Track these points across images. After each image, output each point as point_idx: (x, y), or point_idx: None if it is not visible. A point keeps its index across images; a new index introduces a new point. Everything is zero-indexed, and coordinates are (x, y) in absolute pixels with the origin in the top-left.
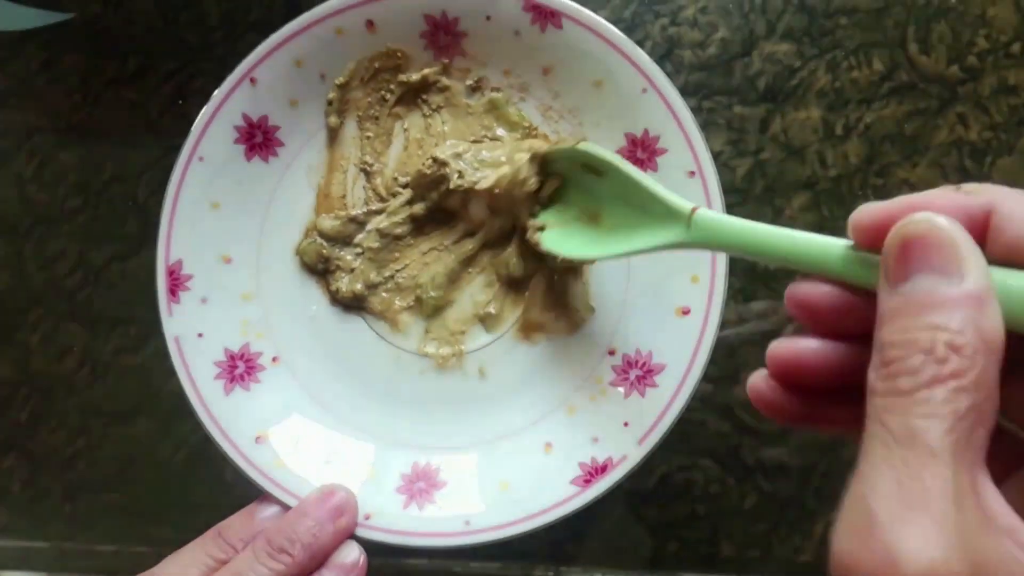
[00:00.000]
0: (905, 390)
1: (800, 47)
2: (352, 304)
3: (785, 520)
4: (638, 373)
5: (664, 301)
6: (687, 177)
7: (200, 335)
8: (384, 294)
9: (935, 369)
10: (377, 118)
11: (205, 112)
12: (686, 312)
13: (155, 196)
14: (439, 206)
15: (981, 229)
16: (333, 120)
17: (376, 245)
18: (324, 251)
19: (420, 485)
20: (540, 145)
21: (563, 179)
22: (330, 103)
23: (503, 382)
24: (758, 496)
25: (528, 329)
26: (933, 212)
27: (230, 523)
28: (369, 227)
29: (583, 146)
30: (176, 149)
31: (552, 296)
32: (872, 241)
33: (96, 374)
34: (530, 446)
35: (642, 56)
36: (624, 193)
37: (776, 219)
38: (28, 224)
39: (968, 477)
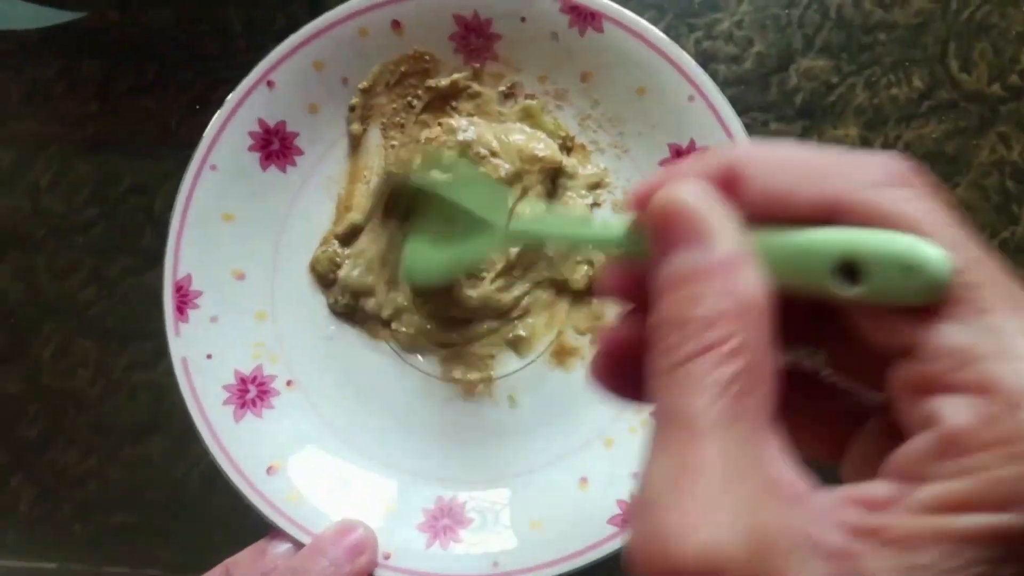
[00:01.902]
0: (667, 369)
1: (838, 63)
2: (346, 312)
3: None
4: None
5: None
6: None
7: (209, 356)
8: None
9: (692, 344)
10: (403, 125)
11: (218, 117)
12: None
13: (172, 209)
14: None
15: (731, 189)
16: (356, 127)
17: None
18: (337, 259)
19: (445, 522)
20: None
21: (419, 201)
22: (352, 109)
23: (535, 411)
24: None
25: (562, 354)
26: (681, 182)
27: (239, 560)
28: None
29: (412, 177)
30: (193, 155)
31: (588, 318)
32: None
33: (108, 391)
34: (564, 481)
35: (689, 62)
36: (462, 210)
37: None
38: (42, 235)
39: (743, 448)
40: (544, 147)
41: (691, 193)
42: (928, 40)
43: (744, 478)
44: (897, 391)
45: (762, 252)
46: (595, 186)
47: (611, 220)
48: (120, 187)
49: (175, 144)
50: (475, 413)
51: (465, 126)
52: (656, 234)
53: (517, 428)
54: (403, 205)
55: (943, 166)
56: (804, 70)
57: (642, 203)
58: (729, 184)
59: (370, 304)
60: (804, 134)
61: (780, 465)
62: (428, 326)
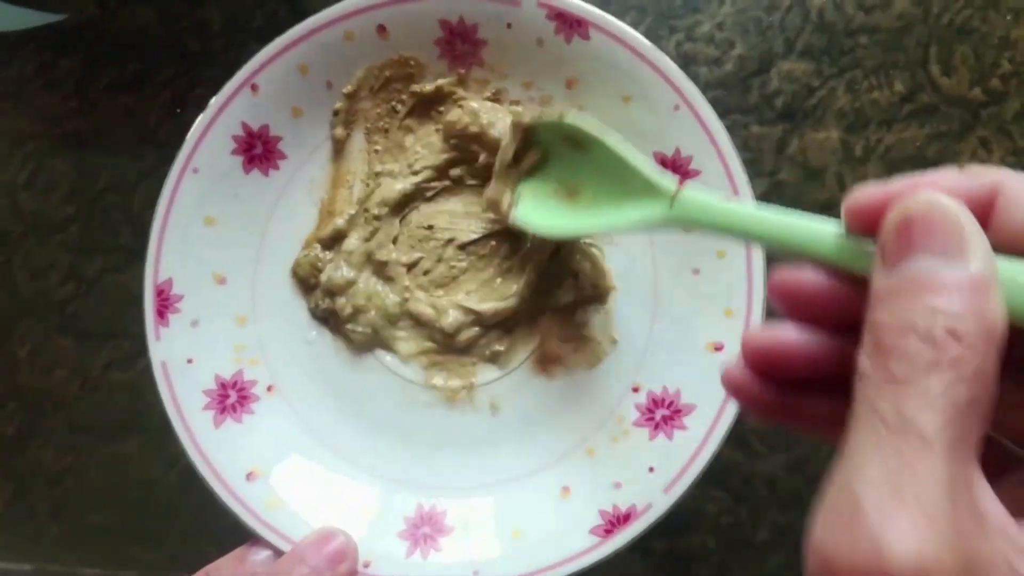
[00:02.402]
0: (900, 376)
1: (819, 66)
2: (325, 317)
3: (799, 553)
4: (664, 413)
5: (694, 335)
6: None
7: (190, 361)
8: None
9: (933, 355)
10: (387, 130)
11: (201, 120)
12: (719, 348)
13: (151, 207)
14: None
15: (985, 213)
16: (339, 131)
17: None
18: (319, 264)
19: (425, 530)
20: (523, 114)
21: (543, 152)
22: (336, 113)
23: (517, 419)
24: (771, 528)
25: (545, 361)
26: (936, 191)
27: (219, 566)
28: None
29: (569, 119)
30: (174, 159)
31: (571, 326)
32: (867, 225)
33: (86, 389)
34: (545, 490)
35: (675, 70)
36: (607, 169)
37: None
38: (19, 233)
39: (963, 472)
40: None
41: (950, 202)
42: (910, 44)
43: (963, 501)
44: None
45: (1005, 282)
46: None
47: (810, 221)
48: (98, 185)
49: (154, 142)
50: (457, 421)
51: (488, 108)
52: (900, 235)
53: (499, 436)
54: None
55: (924, 170)
56: (785, 73)
57: (863, 212)
58: (980, 207)
59: (339, 303)
60: (785, 137)
61: (986, 494)
62: (388, 331)
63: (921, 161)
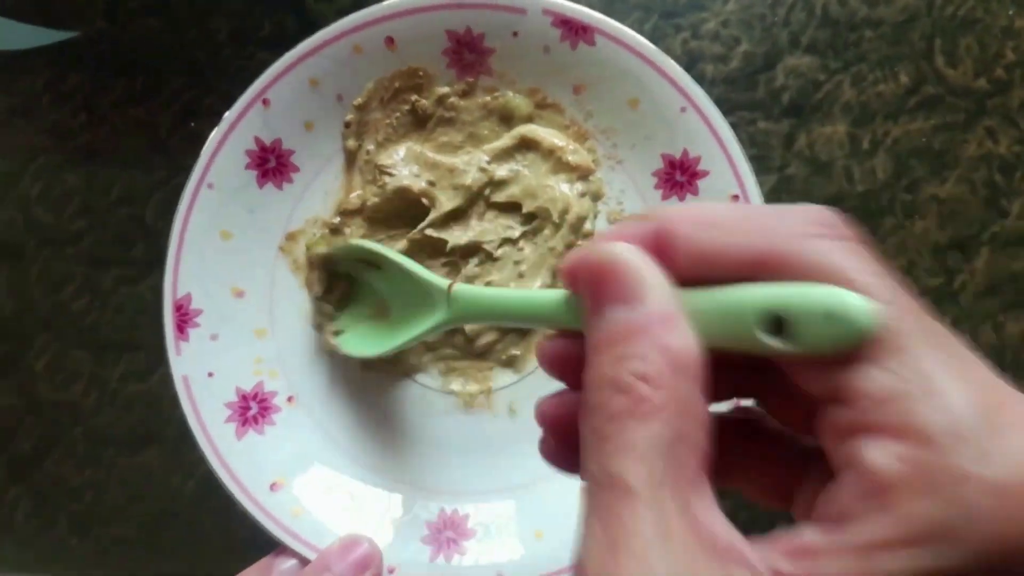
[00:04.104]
0: (598, 429)
1: (824, 60)
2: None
3: None
4: None
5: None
6: (730, 202)
7: (210, 374)
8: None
9: (624, 403)
10: (395, 143)
11: (215, 136)
12: None
13: (164, 218)
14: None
15: (663, 251)
16: (351, 143)
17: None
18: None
19: (448, 535)
20: (320, 248)
21: (350, 278)
22: (347, 125)
23: (535, 421)
24: (769, 528)
25: None
26: (612, 243)
27: None
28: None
29: (355, 242)
30: (186, 170)
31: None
32: (574, 286)
33: (103, 401)
34: (566, 491)
35: (680, 73)
36: (401, 281)
37: None
38: (34, 247)
39: (674, 506)
40: (574, 153)
41: (623, 250)
42: (914, 36)
43: (679, 537)
44: (825, 436)
45: (691, 310)
46: (596, 196)
47: (547, 292)
48: (110, 197)
49: (165, 153)
50: (475, 425)
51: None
52: (589, 292)
53: (518, 439)
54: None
55: (931, 161)
56: (791, 68)
57: (573, 273)
58: (660, 246)
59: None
60: (791, 132)
61: (713, 520)
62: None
63: (928, 152)
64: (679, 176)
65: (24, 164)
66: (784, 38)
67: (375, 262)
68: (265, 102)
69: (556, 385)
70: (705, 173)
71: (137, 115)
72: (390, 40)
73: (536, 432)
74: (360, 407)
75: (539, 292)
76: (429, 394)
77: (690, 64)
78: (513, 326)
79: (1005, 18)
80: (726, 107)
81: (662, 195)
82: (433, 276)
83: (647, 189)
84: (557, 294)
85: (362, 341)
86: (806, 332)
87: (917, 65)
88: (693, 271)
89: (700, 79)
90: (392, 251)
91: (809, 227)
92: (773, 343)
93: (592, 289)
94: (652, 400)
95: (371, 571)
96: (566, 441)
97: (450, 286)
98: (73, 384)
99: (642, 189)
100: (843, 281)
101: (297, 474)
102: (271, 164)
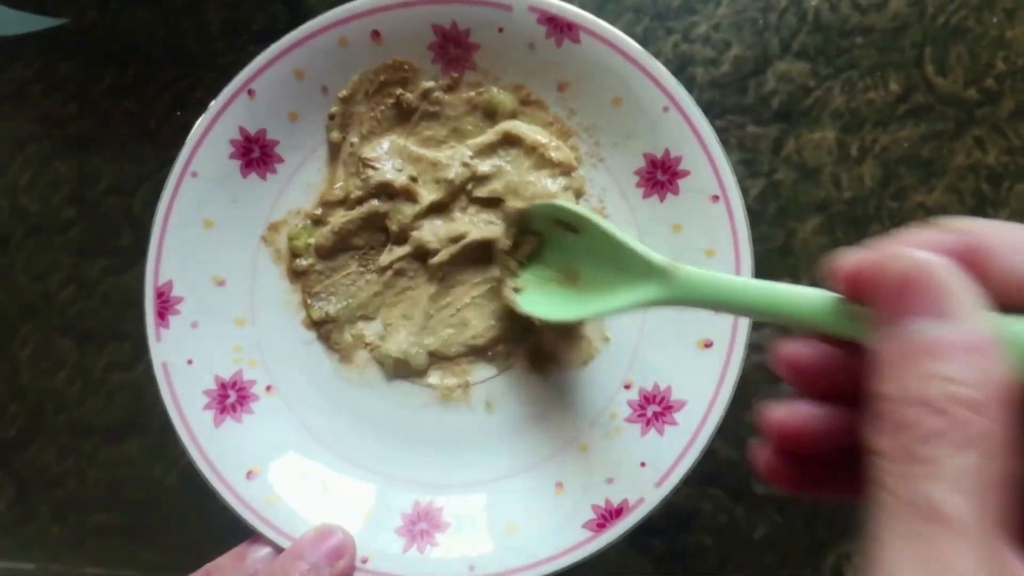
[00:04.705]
0: (909, 449)
1: (815, 66)
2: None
3: (796, 551)
4: (656, 409)
5: (684, 333)
6: (710, 202)
7: (190, 362)
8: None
9: (941, 424)
10: (380, 136)
11: (199, 125)
12: (708, 345)
13: (151, 209)
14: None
15: (972, 269)
16: (335, 135)
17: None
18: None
19: (422, 526)
20: (515, 204)
21: (540, 238)
22: (332, 117)
23: (511, 416)
24: (768, 527)
25: (539, 360)
26: (921, 250)
27: (220, 564)
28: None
29: (559, 203)
30: (175, 161)
31: (564, 325)
32: (857, 290)
33: (87, 390)
34: (540, 486)
35: (664, 73)
36: (602, 250)
37: (789, 241)
38: (20, 235)
39: (994, 554)
40: (557, 150)
41: (936, 261)
42: (905, 44)
43: None
44: None
45: (1008, 339)
46: (578, 194)
47: (805, 291)
48: (99, 187)
49: (154, 144)
50: (452, 419)
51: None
52: (891, 298)
53: (494, 433)
54: (523, 244)
55: (919, 170)
56: (781, 73)
57: (858, 276)
58: (970, 263)
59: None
60: (781, 137)
61: (1018, 568)
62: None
63: (916, 161)
64: (660, 175)
65: (13, 152)
66: (775, 43)
67: (575, 225)
68: (250, 92)
69: (534, 382)
70: (686, 173)
71: (127, 105)
72: (376, 33)
73: (512, 428)
74: (338, 398)
75: (792, 288)
76: (407, 387)
77: (681, 67)
78: (746, 317)
79: (996, 28)
80: (715, 111)
81: (643, 194)
82: (650, 251)
83: (628, 188)
84: (818, 293)
85: (544, 303)
86: None
87: (907, 73)
88: (1005, 297)
89: (690, 82)
90: (600, 218)
91: None
92: None
93: (894, 296)
94: (973, 427)
95: (344, 560)
96: (796, 456)
97: (677, 268)
98: (57, 372)
99: (623, 188)
100: None
101: (273, 463)
102: (255, 154)
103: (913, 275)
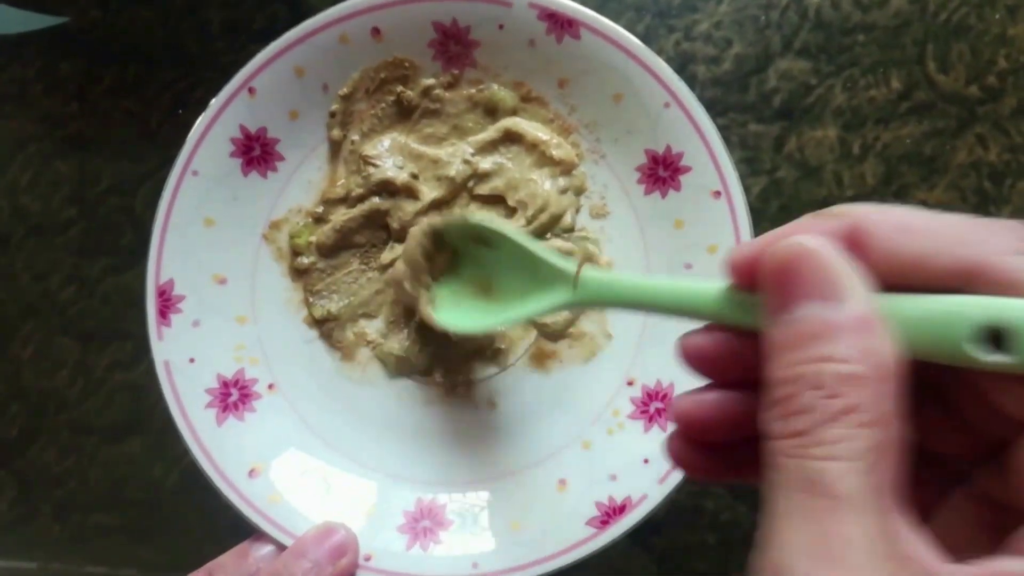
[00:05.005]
0: (801, 431)
1: (817, 64)
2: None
3: None
4: (659, 406)
5: (687, 329)
6: (712, 198)
7: (192, 360)
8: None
9: (829, 404)
10: (380, 133)
11: (200, 123)
12: None
13: (152, 208)
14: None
15: (856, 251)
16: (336, 133)
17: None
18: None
19: (425, 524)
20: (432, 220)
21: (454, 253)
22: (333, 115)
23: (514, 413)
24: None
25: (541, 357)
26: (805, 236)
27: (222, 562)
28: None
29: (473, 219)
30: (175, 161)
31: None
32: (749, 280)
33: (88, 390)
34: (543, 483)
35: (665, 69)
36: (515, 262)
37: None
38: (21, 235)
39: (883, 522)
40: (558, 147)
41: (820, 244)
42: (906, 41)
43: (884, 554)
44: None
45: (891, 316)
46: (579, 191)
47: (702, 283)
48: (99, 187)
49: (155, 144)
50: (455, 416)
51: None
52: (778, 285)
53: (497, 430)
54: (437, 259)
55: (921, 167)
56: (783, 71)
57: (743, 267)
58: (853, 245)
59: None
60: (782, 135)
61: (913, 539)
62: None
63: (918, 158)
64: (662, 171)
65: (14, 152)
66: (777, 41)
67: (486, 239)
68: (251, 90)
69: (536, 379)
70: (687, 169)
71: (128, 105)
72: (376, 31)
73: (515, 425)
74: (340, 396)
75: (689, 282)
76: (409, 384)
77: (682, 65)
78: (652, 314)
79: (998, 25)
80: (717, 109)
81: (644, 190)
82: (558, 258)
83: (630, 184)
84: (713, 285)
85: (460, 315)
86: None
87: (909, 71)
88: (887, 276)
89: (692, 80)
90: (511, 229)
91: (1021, 243)
92: (990, 357)
93: (780, 283)
94: (860, 405)
95: (347, 558)
96: (703, 442)
97: (578, 270)
98: (58, 372)
99: (625, 184)
100: None
101: (276, 461)
102: (256, 152)
103: (797, 260)
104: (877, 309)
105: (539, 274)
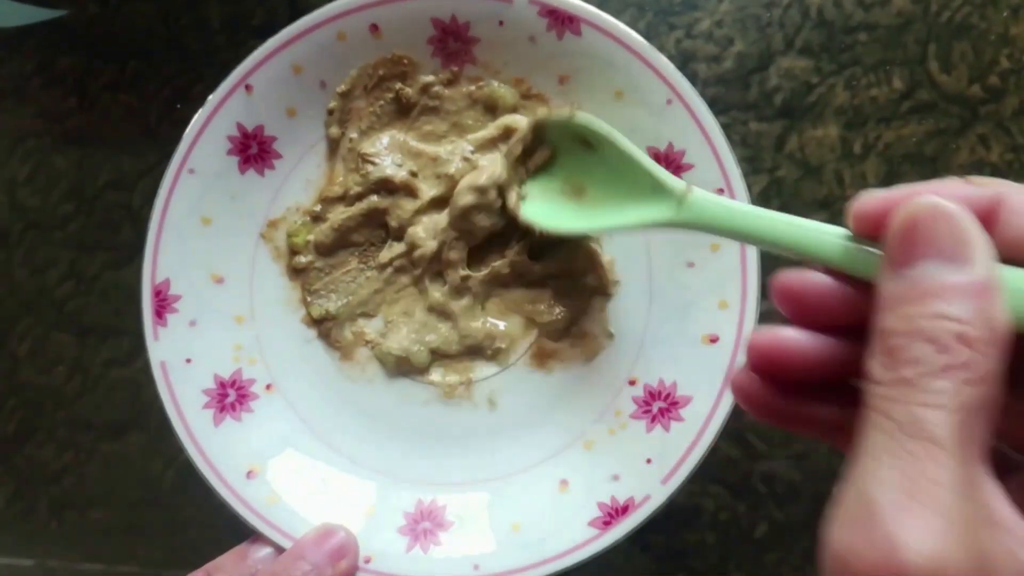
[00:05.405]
0: (910, 379)
1: (818, 63)
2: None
3: (797, 548)
4: (661, 405)
5: (689, 328)
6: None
7: (188, 360)
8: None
9: (943, 359)
10: (379, 130)
11: (196, 121)
12: (714, 340)
13: (151, 204)
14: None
15: (987, 222)
16: (334, 131)
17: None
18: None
19: (425, 525)
20: (540, 111)
21: (552, 150)
22: (331, 113)
23: (515, 413)
24: (769, 524)
25: (542, 356)
26: (939, 196)
27: (220, 564)
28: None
29: (579, 117)
30: (171, 158)
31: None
32: (872, 229)
33: (86, 386)
34: (544, 483)
35: (667, 65)
36: (615, 169)
37: None
38: (19, 230)
39: (972, 472)
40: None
41: (953, 206)
42: (909, 41)
43: (972, 500)
44: None
45: (1011, 289)
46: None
47: (819, 226)
48: (98, 182)
49: (154, 139)
50: (455, 416)
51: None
52: (905, 239)
53: (497, 431)
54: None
55: (922, 167)
56: (784, 70)
57: (868, 216)
58: (982, 216)
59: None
60: (784, 134)
61: (995, 493)
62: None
63: (920, 158)
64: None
65: (12, 146)
66: (778, 39)
67: (589, 140)
68: (248, 88)
69: (537, 379)
70: (690, 166)
71: (127, 100)
72: (375, 27)
73: (516, 425)
74: (339, 396)
75: (803, 222)
76: (409, 384)
77: (683, 63)
78: (757, 246)
79: (1000, 25)
80: (718, 107)
81: None
82: (666, 173)
83: None
84: (830, 229)
85: (548, 213)
86: None
87: (911, 70)
88: (1011, 252)
89: (693, 78)
90: (619, 135)
91: None
92: None
93: (908, 238)
94: (973, 364)
95: (346, 560)
96: (775, 382)
97: (688, 191)
98: (55, 368)
99: None
100: None
101: (274, 462)
102: (253, 150)
103: (927, 218)
104: (998, 278)
105: (639, 186)
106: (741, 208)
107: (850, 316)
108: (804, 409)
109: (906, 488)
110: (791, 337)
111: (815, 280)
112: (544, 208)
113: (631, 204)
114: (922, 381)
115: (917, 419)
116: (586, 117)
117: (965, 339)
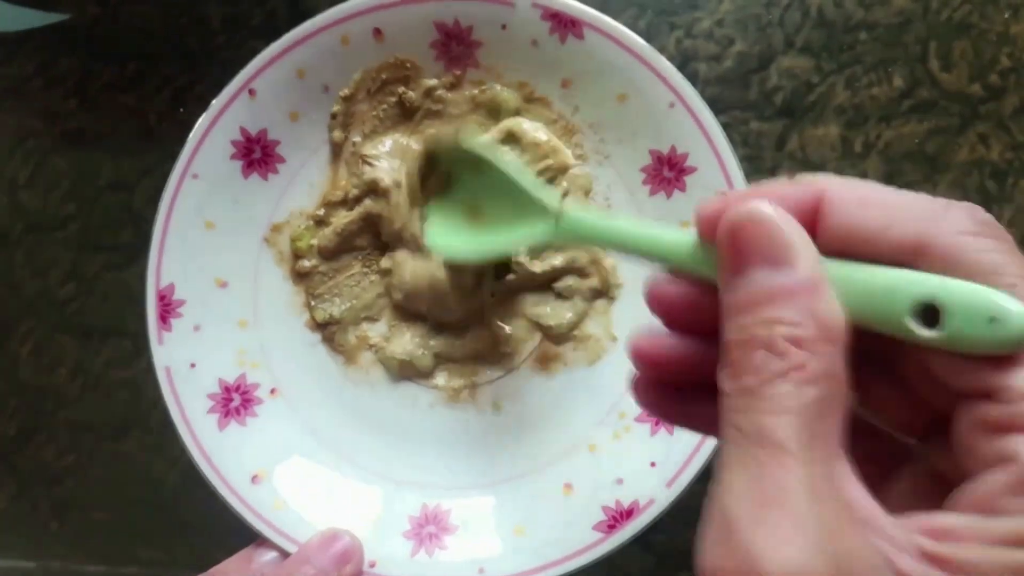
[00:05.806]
0: (753, 388)
1: (819, 62)
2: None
3: None
4: None
5: None
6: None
7: (192, 365)
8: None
9: (777, 364)
10: (382, 134)
11: (200, 126)
12: None
13: (152, 205)
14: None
15: (813, 219)
16: (337, 135)
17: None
18: (312, 239)
19: (430, 529)
20: (429, 133)
21: (447, 175)
22: (334, 116)
23: (519, 417)
24: None
25: (546, 360)
26: (760, 201)
27: (224, 568)
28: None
29: (464, 141)
30: (175, 157)
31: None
32: (711, 235)
33: (87, 387)
34: (548, 487)
35: (669, 69)
36: (503, 188)
37: None
38: (20, 231)
39: (823, 469)
40: (553, 151)
41: (772, 211)
42: (909, 39)
43: (825, 500)
44: (968, 429)
45: (839, 284)
46: (585, 191)
47: (676, 232)
48: (99, 183)
49: (154, 140)
50: (459, 420)
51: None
52: (733, 249)
53: (501, 434)
54: (431, 179)
55: (923, 165)
56: (785, 69)
57: (710, 222)
58: (807, 213)
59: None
60: (784, 133)
61: (854, 488)
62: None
63: (920, 157)
64: (667, 172)
65: (13, 147)
66: (779, 39)
67: (478, 164)
68: (251, 92)
69: (541, 382)
70: (693, 169)
71: (128, 101)
72: (378, 31)
73: (520, 428)
74: (343, 400)
75: (666, 230)
76: (413, 388)
77: (684, 63)
78: (625, 255)
79: (1001, 23)
80: (719, 107)
81: (650, 191)
82: (545, 191)
83: (635, 185)
84: (686, 237)
85: (450, 238)
86: (963, 328)
87: (911, 69)
88: (838, 245)
89: (693, 78)
90: (501, 158)
91: (971, 224)
92: (924, 332)
93: (733, 248)
94: (807, 365)
95: (352, 565)
96: (659, 381)
97: (562, 206)
98: (57, 369)
99: (630, 185)
100: (1005, 284)
101: (279, 467)
102: (256, 155)
103: (751, 225)
104: (825, 275)
105: (525, 205)
106: (605, 221)
107: (716, 320)
108: (692, 408)
109: (758, 499)
110: (664, 339)
111: (680, 286)
112: (445, 231)
113: (519, 224)
114: (763, 388)
115: (761, 427)
116: (470, 139)
117: (797, 340)
